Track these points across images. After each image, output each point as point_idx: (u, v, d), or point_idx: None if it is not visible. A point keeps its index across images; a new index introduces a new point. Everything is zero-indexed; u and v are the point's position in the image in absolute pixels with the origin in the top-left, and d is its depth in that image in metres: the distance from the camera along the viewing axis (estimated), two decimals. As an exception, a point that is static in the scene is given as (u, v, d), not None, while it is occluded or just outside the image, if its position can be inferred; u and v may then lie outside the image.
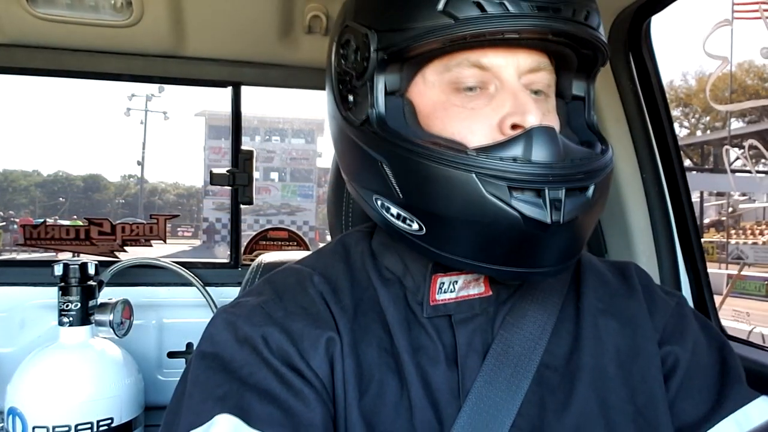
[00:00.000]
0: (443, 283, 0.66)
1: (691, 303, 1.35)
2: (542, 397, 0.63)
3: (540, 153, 0.55)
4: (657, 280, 0.84)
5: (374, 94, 0.61)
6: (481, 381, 0.63)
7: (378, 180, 0.61)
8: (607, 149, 0.63)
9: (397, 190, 0.60)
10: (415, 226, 0.60)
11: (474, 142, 0.59)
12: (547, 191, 0.55)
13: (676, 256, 1.38)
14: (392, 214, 0.62)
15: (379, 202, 0.63)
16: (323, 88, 1.96)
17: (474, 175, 0.55)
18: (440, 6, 0.56)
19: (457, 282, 0.66)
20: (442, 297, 0.66)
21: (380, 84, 0.61)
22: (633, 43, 1.37)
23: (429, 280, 0.66)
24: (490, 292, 0.67)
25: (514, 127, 0.58)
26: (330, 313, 0.66)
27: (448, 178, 0.56)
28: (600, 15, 0.62)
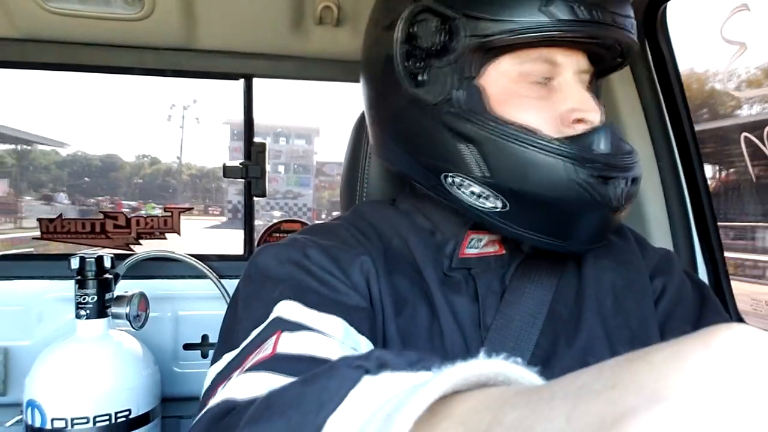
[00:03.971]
0: (472, 239, 0.74)
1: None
2: (555, 329, 0.71)
3: (611, 147, 0.64)
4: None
5: (459, 77, 0.66)
6: (500, 319, 0.70)
7: (452, 158, 0.66)
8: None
9: (484, 170, 0.64)
10: (498, 204, 0.65)
11: (544, 130, 0.64)
12: (615, 180, 0.63)
13: (693, 244, 1.37)
14: (466, 192, 0.66)
15: (450, 179, 0.67)
16: (333, 79, 1.97)
17: (567, 161, 0.62)
18: (541, 4, 0.61)
19: (482, 240, 0.74)
20: (468, 252, 0.74)
21: (467, 68, 0.66)
22: (648, 31, 1.35)
23: (463, 235, 0.73)
24: (504, 251, 0.75)
25: (578, 120, 0.65)
26: (363, 247, 0.72)
27: (540, 162, 0.62)
28: None
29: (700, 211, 1.36)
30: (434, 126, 0.67)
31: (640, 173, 0.67)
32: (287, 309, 0.59)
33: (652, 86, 1.37)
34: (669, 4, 1.31)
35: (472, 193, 0.66)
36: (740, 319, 1.31)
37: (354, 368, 0.38)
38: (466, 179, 0.66)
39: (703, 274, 1.36)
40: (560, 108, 0.66)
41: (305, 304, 0.60)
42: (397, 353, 0.40)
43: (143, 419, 1.38)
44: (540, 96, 0.66)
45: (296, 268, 0.66)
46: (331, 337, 0.57)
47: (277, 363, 0.51)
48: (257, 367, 0.51)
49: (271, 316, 0.59)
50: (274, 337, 0.55)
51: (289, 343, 0.54)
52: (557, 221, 0.65)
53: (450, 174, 0.67)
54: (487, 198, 0.65)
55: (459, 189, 0.67)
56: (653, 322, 0.73)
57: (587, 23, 0.62)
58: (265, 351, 0.53)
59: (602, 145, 0.64)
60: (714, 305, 0.77)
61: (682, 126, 1.36)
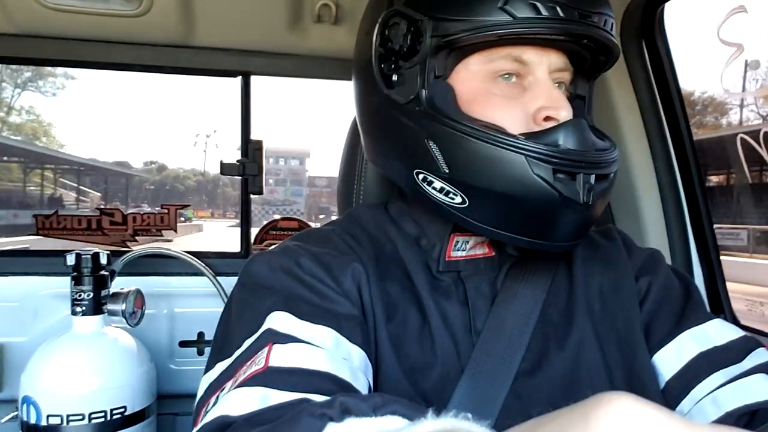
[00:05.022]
0: (458, 242, 0.74)
1: (703, 291, 1.35)
2: (546, 333, 0.71)
3: (575, 142, 0.64)
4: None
5: (425, 77, 0.66)
6: (491, 323, 0.70)
7: (420, 156, 0.67)
8: (615, 145, 0.71)
9: (444, 165, 0.65)
10: (458, 199, 0.66)
11: (511, 128, 0.65)
12: (581, 175, 0.63)
13: (689, 244, 1.37)
14: (434, 188, 0.67)
15: (420, 176, 0.68)
16: (331, 77, 1.97)
17: (523, 157, 0.62)
18: (500, 3, 0.61)
19: (468, 242, 0.74)
20: (455, 254, 0.74)
21: (432, 68, 0.66)
22: (646, 31, 1.35)
23: (447, 237, 0.74)
24: (493, 253, 0.75)
25: (547, 118, 0.65)
26: (355, 253, 0.72)
27: (499, 158, 0.62)
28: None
29: (696, 212, 1.36)
30: (404, 125, 0.69)
31: (612, 170, 0.67)
32: (279, 320, 0.60)
33: (649, 87, 1.37)
34: (666, 4, 1.31)
35: (437, 189, 0.67)
36: (735, 320, 1.31)
37: (317, 417, 0.39)
38: (430, 175, 0.67)
39: (698, 275, 1.36)
40: (530, 106, 0.66)
41: (296, 315, 0.60)
42: (363, 397, 0.41)
43: (139, 416, 1.38)
44: (511, 95, 0.67)
45: (288, 276, 0.66)
46: (322, 348, 0.57)
47: (269, 377, 0.52)
48: (250, 381, 0.52)
49: (263, 327, 0.59)
50: (266, 350, 0.56)
51: (280, 356, 0.55)
52: (519, 217, 0.65)
53: (420, 171, 0.68)
54: (448, 194, 0.66)
55: (427, 185, 0.68)
56: (638, 324, 0.74)
57: (549, 20, 0.62)
58: (257, 364, 0.54)
59: (566, 140, 0.63)
60: (696, 302, 0.77)
61: (678, 127, 1.36)
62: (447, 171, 0.65)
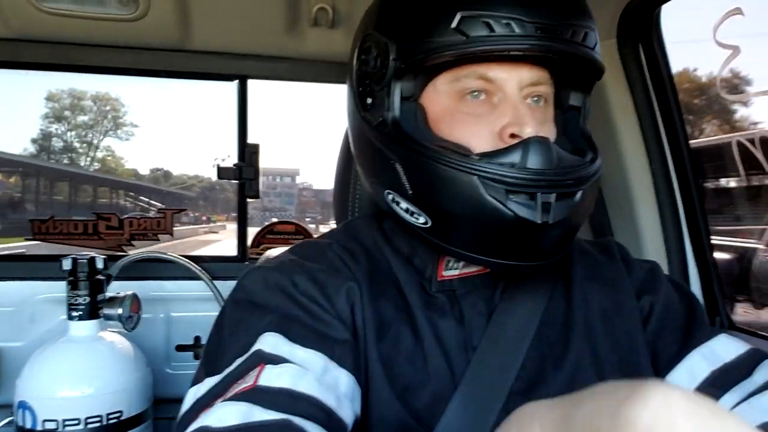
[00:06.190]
0: (449, 261, 0.73)
1: (700, 296, 1.34)
2: (542, 352, 0.70)
3: (534, 161, 0.62)
4: (665, 272, 0.85)
5: (391, 99, 0.68)
6: (487, 340, 0.70)
7: (390, 176, 0.68)
8: (597, 158, 0.70)
9: (408, 187, 0.66)
10: (423, 219, 0.67)
11: (477, 147, 0.65)
12: (539, 195, 0.61)
13: (685, 249, 1.37)
14: (401, 208, 0.68)
15: (390, 197, 0.69)
16: (328, 81, 1.97)
17: (476, 178, 0.61)
18: (453, 24, 0.62)
19: (460, 260, 0.73)
20: (448, 273, 0.73)
21: (397, 90, 0.68)
22: (642, 34, 1.35)
23: (437, 258, 0.73)
24: (488, 269, 0.73)
25: (512, 136, 0.64)
26: (350, 271, 0.72)
27: (453, 179, 0.62)
28: (597, 34, 0.67)
29: (693, 215, 1.36)
30: (376, 146, 0.70)
31: (579, 187, 0.64)
32: (270, 342, 0.60)
33: (645, 90, 1.37)
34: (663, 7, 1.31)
35: (403, 209, 0.68)
36: (732, 325, 1.31)
37: None
38: (397, 196, 0.68)
39: (695, 280, 1.36)
40: (497, 124, 0.65)
41: (288, 337, 0.61)
42: None
43: (135, 421, 1.37)
44: (479, 113, 0.66)
45: (283, 296, 0.66)
46: (310, 371, 0.58)
47: (256, 395, 0.53)
48: (237, 397, 0.52)
49: (255, 347, 0.59)
50: (256, 369, 0.56)
51: (270, 377, 0.55)
52: (480, 238, 0.65)
53: (390, 191, 0.69)
54: (413, 214, 0.67)
55: (398, 207, 0.69)
56: (642, 344, 0.73)
57: (502, 38, 0.61)
58: (246, 382, 0.54)
59: (524, 159, 0.62)
60: (699, 317, 0.77)
61: (675, 131, 1.36)
62: (410, 192, 0.66)
